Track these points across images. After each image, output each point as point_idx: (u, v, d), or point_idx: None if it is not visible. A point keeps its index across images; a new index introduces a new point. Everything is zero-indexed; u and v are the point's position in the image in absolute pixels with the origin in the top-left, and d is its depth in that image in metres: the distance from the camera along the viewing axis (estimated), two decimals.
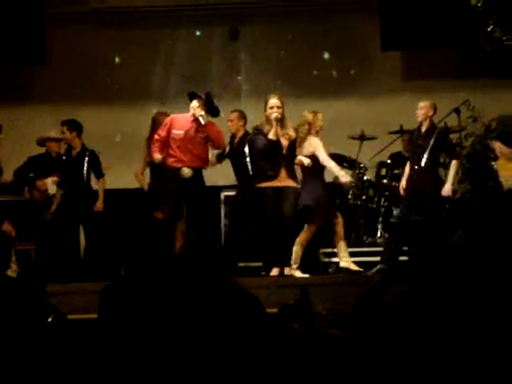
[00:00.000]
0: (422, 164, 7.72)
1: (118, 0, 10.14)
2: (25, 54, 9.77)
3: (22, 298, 4.24)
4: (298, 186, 7.70)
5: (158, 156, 7.83)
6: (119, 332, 3.87)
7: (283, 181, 7.66)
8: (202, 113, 7.80)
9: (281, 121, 7.64)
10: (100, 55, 10.25)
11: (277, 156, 7.68)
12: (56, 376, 3.86)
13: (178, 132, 7.82)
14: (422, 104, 7.86)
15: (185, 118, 7.89)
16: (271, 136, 7.62)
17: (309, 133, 7.73)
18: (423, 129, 7.85)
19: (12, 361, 3.84)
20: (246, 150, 8.11)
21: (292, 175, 7.70)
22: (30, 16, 9.72)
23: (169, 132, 7.83)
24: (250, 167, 8.09)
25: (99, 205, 8.39)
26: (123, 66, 10.34)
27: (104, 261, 8.27)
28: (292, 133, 7.70)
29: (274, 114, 7.59)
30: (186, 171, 7.76)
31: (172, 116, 7.97)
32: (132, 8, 10.17)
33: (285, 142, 7.68)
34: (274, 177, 7.65)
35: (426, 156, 7.71)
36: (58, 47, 10.04)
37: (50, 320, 4.20)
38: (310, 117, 7.77)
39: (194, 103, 7.82)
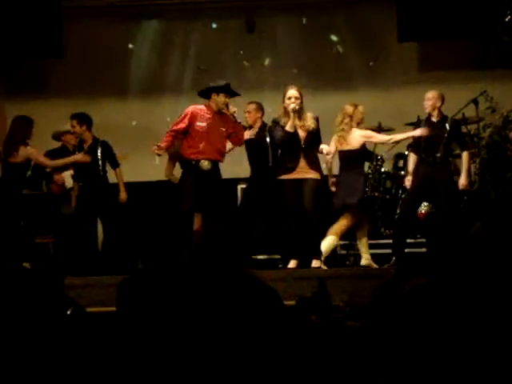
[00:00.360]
0: (438, 155, 7.68)
1: None
2: (42, 47, 9.80)
3: (40, 291, 4.26)
4: (319, 178, 7.64)
5: (163, 148, 7.71)
6: (137, 325, 3.88)
7: (303, 173, 7.62)
8: (236, 109, 7.81)
9: (299, 112, 7.62)
10: (116, 48, 10.26)
11: (295, 148, 7.67)
12: (74, 368, 3.88)
13: (201, 124, 7.75)
14: (429, 95, 7.82)
15: (204, 110, 7.83)
16: (288, 128, 7.60)
17: (351, 126, 7.75)
18: (434, 119, 7.82)
19: (30, 353, 3.86)
20: (268, 140, 8.11)
21: (313, 166, 7.63)
22: (47, 10, 9.75)
23: (190, 124, 7.75)
24: (270, 158, 8.09)
25: (123, 195, 8.38)
26: (139, 59, 10.34)
27: (122, 254, 8.30)
28: (311, 124, 7.66)
29: (292, 105, 7.57)
30: (206, 163, 7.74)
31: (191, 108, 7.87)
32: (147, 1, 10.17)
33: (302, 134, 7.65)
34: (293, 169, 7.64)
35: (441, 147, 7.68)
36: (75, 41, 10.06)
37: (68, 313, 4.21)
38: (350, 110, 7.82)
39: (223, 98, 7.77)
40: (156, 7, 10.24)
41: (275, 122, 7.77)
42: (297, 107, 7.58)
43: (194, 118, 7.71)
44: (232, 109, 7.78)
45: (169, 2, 10.14)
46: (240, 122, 7.91)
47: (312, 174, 7.61)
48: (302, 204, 7.56)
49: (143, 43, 10.41)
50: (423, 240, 8.21)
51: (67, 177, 8.51)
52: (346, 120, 7.81)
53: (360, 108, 7.85)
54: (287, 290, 6.03)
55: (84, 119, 8.35)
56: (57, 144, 8.89)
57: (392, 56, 10.14)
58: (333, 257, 8.22)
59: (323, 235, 7.82)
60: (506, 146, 8.42)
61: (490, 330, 3.07)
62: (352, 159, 7.88)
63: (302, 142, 7.65)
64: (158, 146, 7.62)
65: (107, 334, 3.98)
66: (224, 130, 7.78)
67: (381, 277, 6.14)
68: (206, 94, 7.85)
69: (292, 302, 4.57)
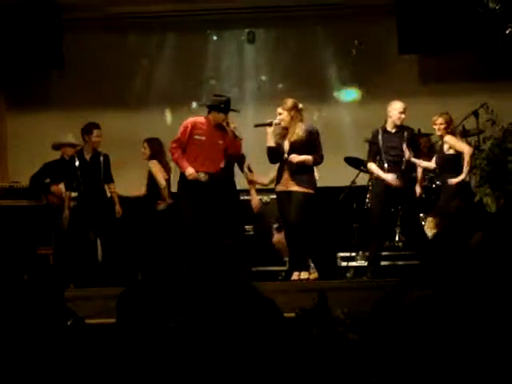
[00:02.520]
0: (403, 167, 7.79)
1: (134, 6, 10.15)
2: (42, 59, 9.83)
3: (39, 303, 4.25)
4: (308, 191, 7.54)
5: (190, 170, 7.74)
6: (137, 337, 3.87)
7: (287, 185, 7.58)
8: (236, 125, 7.84)
9: (287, 126, 7.59)
10: (116, 60, 10.28)
11: (280, 160, 7.65)
12: (73, 380, 3.86)
13: (199, 137, 7.77)
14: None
15: (203, 122, 7.85)
16: (268, 143, 7.63)
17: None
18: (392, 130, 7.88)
19: (29, 365, 3.85)
20: None
21: (299, 179, 7.53)
22: (48, 22, 9.79)
23: (189, 136, 7.77)
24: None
25: (119, 208, 8.41)
26: (139, 71, 10.36)
27: (121, 266, 8.29)
28: (295, 135, 7.57)
29: (268, 120, 7.61)
30: (202, 175, 7.74)
31: (191, 120, 7.89)
32: (147, 13, 10.19)
33: (286, 146, 7.63)
34: (278, 180, 7.64)
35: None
36: (75, 52, 10.08)
37: (68, 324, 4.20)
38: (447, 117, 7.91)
39: (222, 116, 7.80)
40: (156, 19, 10.26)
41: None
42: (274, 121, 7.56)
43: (193, 130, 7.74)
44: (232, 125, 7.82)
45: (169, 13, 10.15)
46: (241, 139, 7.95)
47: (296, 187, 7.55)
48: (288, 217, 7.55)
49: (143, 55, 10.43)
50: (423, 252, 8.21)
51: (64, 188, 8.50)
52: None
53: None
54: (287, 302, 6.01)
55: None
56: (58, 155, 8.87)
57: (392, 68, 10.16)
58: (333, 269, 8.22)
59: (309, 248, 7.74)
60: (507, 159, 8.42)
61: (491, 340, 3.06)
62: None
63: (286, 153, 7.62)
64: (188, 171, 7.71)
65: (107, 346, 3.97)
66: (221, 143, 7.81)
67: (381, 289, 6.12)
68: (207, 106, 7.89)
69: (292, 315, 4.56)
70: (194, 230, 7.55)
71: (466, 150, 7.92)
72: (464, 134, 8.65)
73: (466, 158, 7.84)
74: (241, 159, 8.31)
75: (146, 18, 10.27)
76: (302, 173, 7.56)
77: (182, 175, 7.83)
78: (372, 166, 7.84)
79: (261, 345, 3.58)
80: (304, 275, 7.52)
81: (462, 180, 7.85)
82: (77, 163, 8.32)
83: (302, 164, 7.51)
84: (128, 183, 8.97)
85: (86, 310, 6.10)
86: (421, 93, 9.94)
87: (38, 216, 8.61)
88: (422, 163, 8.03)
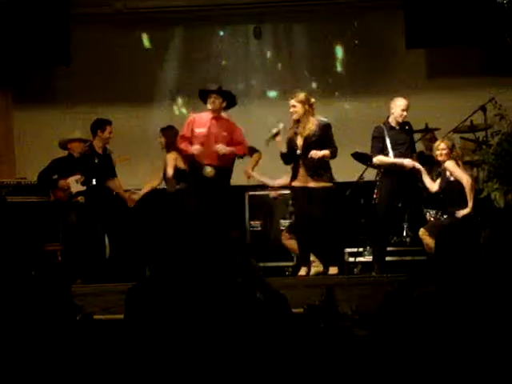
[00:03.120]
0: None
1: (142, 1, 10.14)
2: (49, 55, 9.81)
3: (47, 299, 4.26)
4: (328, 185, 7.59)
5: (196, 147, 7.77)
6: (145, 332, 3.87)
7: (304, 181, 7.59)
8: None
9: (300, 119, 7.59)
10: (123, 56, 10.27)
11: (294, 156, 7.63)
12: (82, 375, 3.87)
13: (200, 130, 7.80)
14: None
15: (203, 115, 7.89)
16: (281, 149, 7.66)
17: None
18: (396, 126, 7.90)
19: (38, 360, 3.86)
20: None
21: (315, 173, 7.56)
22: (55, 18, 9.77)
23: (192, 131, 7.82)
24: None
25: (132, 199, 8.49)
26: (147, 67, 10.35)
27: (129, 261, 8.29)
28: (307, 130, 7.57)
29: (273, 130, 7.63)
30: (208, 170, 7.73)
31: (193, 115, 7.96)
32: (154, 8, 10.17)
33: (300, 141, 7.63)
34: (294, 176, 7.63)
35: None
36: (82, 48, 10.05)
37: (76, 320, 4.21)
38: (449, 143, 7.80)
39: (216, 99, 7.79)
40: (163, 14, 10.23)
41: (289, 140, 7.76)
42: (280, 126, 7.62)
43: (194, 125, 7.78)
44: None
45: (176, 9, 10.13)
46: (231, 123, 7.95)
47: (312, 183, 7.56)
48: (309, 212, 7.54)
49: (150, 50, 10.42)
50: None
51: (72, 182, 8.50)
52: None
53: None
54: (295, 297, 6.01)
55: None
56: (63, 152, 8.87)
57: (400, 63, 10.13)
58: (340, 264, 8.20)
59: (337, 243, 7.80)
60: None
61: (498, 336, 3.05)
62: None
63: (299, 149, 7.62)
64: (194, 150, 7.72)
65: (115, 341, 3.97)
66: (226, 134, 7.80)
67: (389, 285, 6.11)
68: (203, 98, 7.87)
69: (300, 310, 4.55)
70: (199, 225, 7.56)
71: (464, 180, 7.65)
72: (472, 129, 8.62)
73: (467, 191, 7.61)
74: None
75: (154, 13, 10.25)
76: (320, 168, 7.57)
77: (189, 170, 7.85)
78: (382, 158, 7.82)
79: (270, 339, 3.58)
80: (333, 270, 7.55)
81: (469, 213, 7.59)
82: (96, 160, 8.37)
83: (321, 159, 7.50)
84: (137, 178, 8.97)
85: (95, 305, 6.12)
86: (428, 87, 9.91)
87: (46, 212, 8.62)
88: (426, 179, 7.94)
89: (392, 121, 7.86)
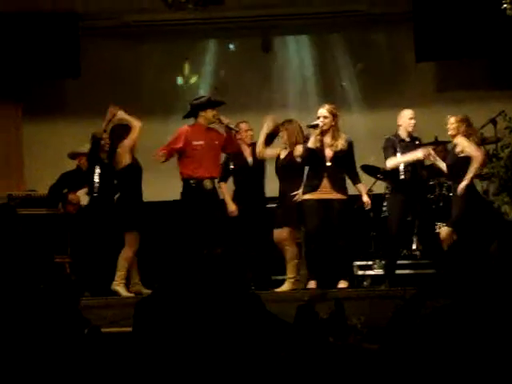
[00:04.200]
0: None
1: (151, 14, 10.16)
2: (59, 67, 9.85)
3: (55, 312, 4.25)
4: (346, 197, 7.60)
5: (164, 156, 7.70)
6: (153, 345, 3.86)
7: (326, 193, 7.57)
8: (228, 120, 7.80)
9: (326, 130, 7.57)
10: (132, 68, 10.29)
11: (319, 166, 7.61)
12: None
13: (198, 142, 7.71)
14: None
15: (197, 128, 7.76)
16: (310, 144, 7.59)
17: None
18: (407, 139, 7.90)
19: (45, 374, 3.85)
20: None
21: (336, 187, 7.55)
22: (64, 30, 9.81)
23: (187, 143, 7.70)
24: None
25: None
26: (155, 79, 10.36)
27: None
28: (339, 144, 7.58)
29: (316, 121, 7.57)
30: (208, 183, 7.70)
31: (185, 127, 7.81)
32: (162, 21, 10.19)
33: (329, 153, 7.60)
34: (316, 187, 7.58)
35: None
36: (91, 61, 10.08)
37: (85, 333, 4.20)
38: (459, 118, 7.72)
39: (211, 112, 7.76)
40: (172, 27, 10.25)
41: (306, 139, 7.76)
42: (319, 123, 7.55)
43: (189, 137, 7.68)
44: (225, 120, 7.76)
45: (184, 22, 10.15)
46: (237, 130, 7.88)
47: (335, 195, 7.55)
48: (326, 225, 7.52)
49: (159, 63, 10.43)
50: (441, 261, 8.16)
51: (82, 195, 8.50)
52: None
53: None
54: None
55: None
56: (74, 164, 8.87)
57: (410, 76, 10.13)
58: (350, 278, 8.18)
59: (350, 256, 7.80)
60: None
61: (509, 349, 3.02)
62: None
63: (328, 161, 7.61)
64: (160, 153, 7.66)
65: (123, 354, 3.95)
66: (217, 143, 7.77)
67: (398, 298, 6.08)
68: (192, 113, 7.83)
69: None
70: (191, 241, 7.52)
71: (474, 155, 7.56)
72: (482, 142, 8.60)
73: (473, 164, 7.54)
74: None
75: (162, 26, 10.27)
76: (342, 181, 7.64)
77: (185, 184, 7.74)
78: (393, 160, 7.79)
79: (275, 353, 3.56)
80: (343, 284, 7.53)
81: (467, 185, 7.53)
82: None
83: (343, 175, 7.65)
84: (148, 191, 8.95)
85: (103, 318, 6.10)
86: (438, 101, 9.90)
87: (55, 224, 8.62)
88: (437, 160, 7.90)
89: (402, 133, 7.85)
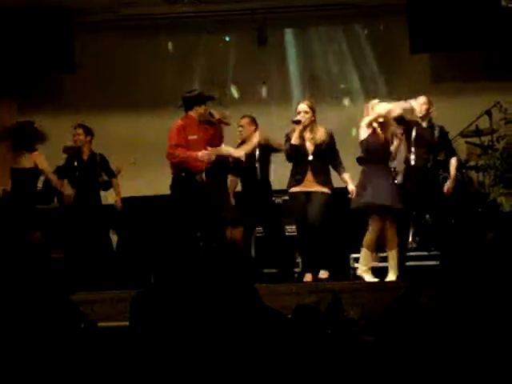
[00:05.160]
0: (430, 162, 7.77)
1: (145, 7, 10.15)
2: (54, 62, 9.86)
3: (51, 306, 4.24)
4: (329, 191, 7.68)
5: (202, 152, 7.62)
6: (150, 340, 3.86)
7: (309, 185, 7.65)
8: (219, 116, 7.80)
9: (308, 125, 7.64)
10: (127, 62, 10.28)
11: (302, 160, 7.68)
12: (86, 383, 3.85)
13: (193, 136, 7.70)
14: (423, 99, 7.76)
15: (190, 122, 7.73)
16: (293, 140, 7.66)
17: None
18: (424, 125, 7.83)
19: (40, 369, 3.84)
20: (257, 154, 8.16)
21: (320, 180, 7.66)
22: (59, 25, 9.81)
23: (185, 138, 7.69)
24: (258, 173, 8.14)
25: (119, 202, 8.53)
26: (150, 73, 10.35)
27: (134, 268, 8.27)
28: (320, 137, 7.67)
29: (297, 116, 7.62)
30: (199, 176, 7.70)
31: (180, 122, 7.77)
32: (158, 15, 10.18)
33: (311, 147, 7.69)
34: (300, 181, 7.67)
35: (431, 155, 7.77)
36: (86, 55, 10.08)
37: (81, 327, 4.20)
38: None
39: (203, 107, 7.74)
40: (167, 20, 10.25)
41: (286, 135, 7.80)
42: (301, 119, 7.60)
43: (186, 131, 7.67)
44: (217, 115, 7.76)
45: (181, 15, 10.14)
46: (229, 124, 7.88)
47: (319, 188, 7.63)
48: (309, 217, 7.58)
49: (155, 57, 10.43)
50: (437, 253, 8.16)
51: (66, 185, 8.56)
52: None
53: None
54: (300, 303, 5.99)
55: (90, 131, 8.49)
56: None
57: (404, 68, 10.13)
58: (346, 270, 8.19)
59: (330, 248, 7.80)
60: None
61: (507, 341, 3.03)
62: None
63: (310, 154, 7.65)
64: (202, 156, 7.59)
65: (119, 349, 3.95)
66: (207, 137, 7.77)
67: (395, 290, 6.10)
68: (186, 106, 7.81)
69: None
70: (185, 234, 7.51)
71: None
72: (477, 134, 8.61)
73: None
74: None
75: (158, 20, 10.27)
76: (325, 174, 7.71)
77: (175, 178, 7.69)
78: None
79: (274, 349, 3.56)
80: (323, 274, 7.56)
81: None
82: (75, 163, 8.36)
83: (327, 168, 7.69)
84: (140, 184, 8.96)
85: (99, 313, 6.11)
86: (433, 92, 9.87)
87: (50, 219, 8.62)
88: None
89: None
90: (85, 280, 7.83)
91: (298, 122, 7.66)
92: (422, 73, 10.16)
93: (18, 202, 8.12)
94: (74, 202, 8.38)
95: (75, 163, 8.48)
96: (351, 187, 7.67)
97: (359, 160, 7.84)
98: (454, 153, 8.03)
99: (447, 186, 7.82)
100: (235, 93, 8.83)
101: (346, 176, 7.78)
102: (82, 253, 8.23)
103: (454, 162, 7.93)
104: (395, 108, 7.61)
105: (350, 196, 7.70)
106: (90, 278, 7.90)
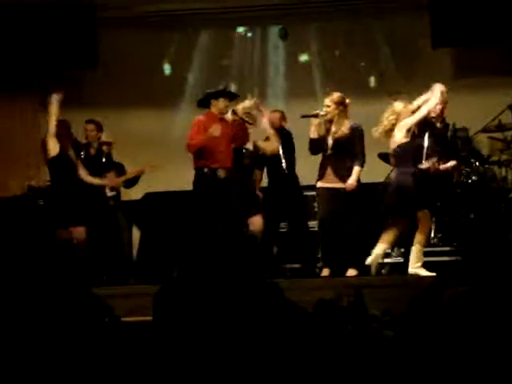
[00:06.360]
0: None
1: (168, 3, 10.17)
2: (76, 58, 9.89)
3: (75, 299, 4.27)
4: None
5: (213, 128, 7.60)
6: (174, 335, 3.87)
7: (330, 181, 7.61)
8: (240, 110, 7.81)
9: (332, 119, 7.60)
10: (150, 58, 10.31)
11: (323, 155, 7.67)
12: (109, 377, 3.87)
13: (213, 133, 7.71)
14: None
15: (211, 118, 7.76)
16: (310, 134, 7.64)
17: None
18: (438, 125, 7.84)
19: (65, 361, 3.87)
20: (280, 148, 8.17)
21: (340, 175, 7.60)
22: (82, 21, 9.84)
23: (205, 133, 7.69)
24: (284, 165, 8.13)
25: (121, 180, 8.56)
26: (173, 69, 10.37)
27: (157, 263, 8.30)
28: (340, 132, 7.60)
29: (314, 112, 7.61)
30: (222, 172, 7.70)
31: (201, 118, 7.79)
32: (180, 11, 10.19)
33: (330, 141, 7.63)
34: (321, 176, 7.67)
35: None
36: (109, 51, 10.11)
37: (105, 321, 4.22)
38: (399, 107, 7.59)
39: (223, 102, 7.72)
40: (189, 17, 10.27)
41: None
42: (318, 112, 7.57)
43: (206, 127, 7.65)
44: (240, 112, 7.74)
45: (203, 11, 10.16)
46: (252, 123, 7.86)
47: (340, 184, 7.56)
48: (333, 212, 7.56)
49: (177, 53, 10.44)
50: (459, 248, 8.13)
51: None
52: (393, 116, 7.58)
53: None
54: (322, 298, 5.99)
55: (101, 126, 8.47)
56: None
57: (426, 63, 10.09)
58: (368, 265, 8.17)
59: (361, 244, 7.77)
60: None
61: None
62: None
63: (329, 149, 7.60)
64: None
65: (143, 343, 3.97)
66: (230, 133, 7.76)
67: (417, 285, 6.08)
68: (205, 103, 7.80)
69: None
70: (207, 230, 7.51)
71: None
72: (500, 129, 8.56)
73: None
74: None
75: (180, 16, 10.28)
76: (347, 169, 7.60)
77: (197, 175, 7.71)
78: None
79: (297, 340, 3.57)
80: (352, 272, 7.54)
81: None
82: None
83: (350, 162, 7.61)
84: (163, 180, 8.98)
85: (123, 307, 6.14)
86: (455, 87, 9.82)
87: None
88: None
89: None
90: (107, 274, 7.87)
91: (315, 116, 7.63)
92: (443, 68, 10.12)
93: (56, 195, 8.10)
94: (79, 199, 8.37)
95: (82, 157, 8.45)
96: (350, 181, 7.57)
97: (383, 157, 7.86)
98: (457, 155, 8.04)
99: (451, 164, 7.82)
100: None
101: (354, 169, 7.63)
102: (104, 247, 8.27)
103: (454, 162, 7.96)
104: (431, 107, 7.56)
105: (347, 189, 7.59)
106: (112, 272, 7.93)
